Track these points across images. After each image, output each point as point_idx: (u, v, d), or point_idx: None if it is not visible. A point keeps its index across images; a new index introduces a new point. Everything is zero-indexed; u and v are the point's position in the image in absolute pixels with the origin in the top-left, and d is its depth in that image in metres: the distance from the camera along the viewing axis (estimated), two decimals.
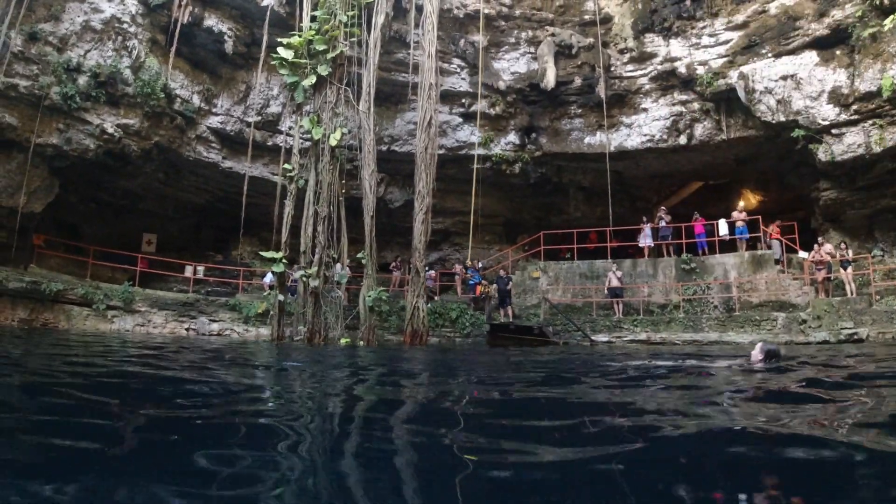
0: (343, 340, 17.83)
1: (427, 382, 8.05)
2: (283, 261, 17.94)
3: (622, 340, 18.99)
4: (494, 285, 21.68)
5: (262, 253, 18.78)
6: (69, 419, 4.54)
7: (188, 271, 22.08)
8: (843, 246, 18.60)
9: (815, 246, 18.85)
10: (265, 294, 20.18)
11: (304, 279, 18.10)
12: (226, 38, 20.17)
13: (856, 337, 16.01)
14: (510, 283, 21.11)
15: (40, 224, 19.65)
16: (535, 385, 7.76)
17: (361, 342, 17.98)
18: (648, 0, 21.83)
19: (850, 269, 17.96)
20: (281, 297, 18.27)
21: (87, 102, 18.05)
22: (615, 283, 20.60)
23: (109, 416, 4.76)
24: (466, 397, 6.31)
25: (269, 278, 20.79)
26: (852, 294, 17.68)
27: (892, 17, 17.09)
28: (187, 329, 19.66)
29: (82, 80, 17.81)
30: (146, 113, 19.16)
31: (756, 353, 8.63)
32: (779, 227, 20.77)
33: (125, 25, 18.56)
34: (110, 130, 18.61)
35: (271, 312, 18.58)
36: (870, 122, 18.14)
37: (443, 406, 5.71)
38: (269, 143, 21.89)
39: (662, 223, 22.06)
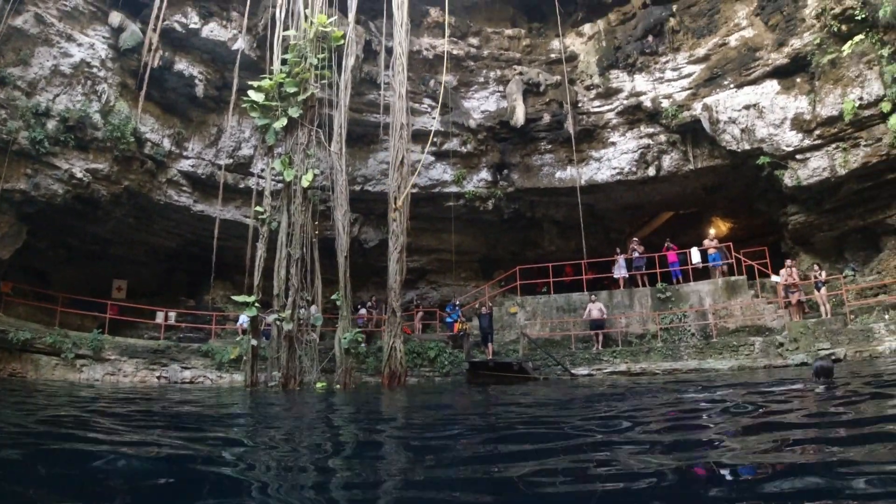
0: (319, 385, 17.46)
1: None
2: (256, 304, 17.63)
3: (602, 372, 18.87)
4: (472, 322, 21.55)
5: (234, 297, 18.47)
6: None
7: (159, 317, 21.59)
8: (816, 267, 18.78)
9: (784, 270, 19.00)
10: (238, 339, 19.79)
11: (278, 323, 17.79)
12: (196, 81, 20.21)
13: (833, 357, 16.00)
14: (491, 317, 20.90)
15: (8, 271, 19.17)
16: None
17: (338, 386, 17.62)
18: (612, 38, 22.42)
19: (823, 290, 18.11)
20: (254, 342, 17.90)
21: (55, 147, 17.81)
22: (595, 314, 20.53)
23: None
24: None
25: (243, 320, 20.42)
26: (827, 315, 17.78)
27: (850, 42, 17.66)
28: (158, 377, 19.13)
29: (51, 124, 17.64)
30: (116, 157, 18.97)
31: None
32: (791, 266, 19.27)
33: (95, 70, 18.53)
34: (79, 175, 18.38)
35: (244, 358, 18.17)
36: (833, 145, 18.56)
37: None
38: (241, 186, 21.78)
39: (636, 254, 22.20)
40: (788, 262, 19.22)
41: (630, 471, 3.96)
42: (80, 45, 18.23)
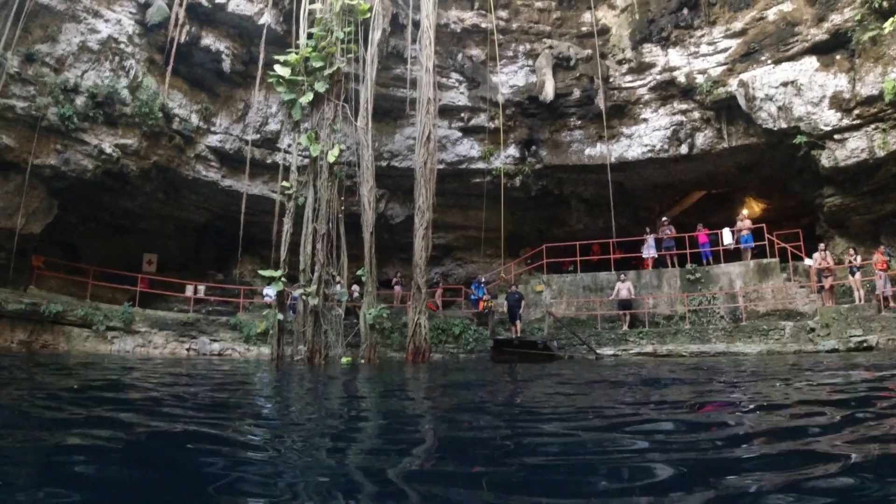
0: (344, 360, 17.58)
1: None
2: (283, 279, 17.76)
3: (628, 353, 18.77)
4: (497, 300, 21.49)
5: (261, 272, 18.62)
6: None
7: (189, 291, 21.93)
8: (851, 252, 18.28)
9: (817, 254, 18.52)
10: (265, 313, 20.00)
11: (304, 297, 17.90)
12: (223, 56, 20.18)
13: (865, 344, 15.72)
14: (522, 299, 20.71)
15: (39, 245, 19.56)
16: None
17: (363, 360, 17.74)
18: (646, 10, 21.78)
19: (858, 275, 17.65)
20: (280, 316, 18.06)
21: (84, 123, 17.99)
22: (624, 294, 20.29)
23: None
24: None
25: (268, 292, 20.67)
26: (861, 300, 17.37)
27: (891, 19, 16.91)
28: (188, 349, 19.47)
29: (80, 100, 17.78)
30: (144, 133, 19.12)
31: None
32: (884, 255, 18.15)
33: (122, 45, 18.59)
34: (108, 150, 18.56)
35: (271, 332, 18.36)
36: (872, 126, 17.94)
37: None
38: (269, 161, 21.83)
39: (666, 233, 21.85)
40: (821, 245, 18.75)
41: None
42: (107, 21, 18.26)
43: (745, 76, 20.00)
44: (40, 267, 19.57)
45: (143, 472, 3.88)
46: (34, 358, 14.88)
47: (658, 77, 21.70)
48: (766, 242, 20.41)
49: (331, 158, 18.55)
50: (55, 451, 4.31)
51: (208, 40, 19.93)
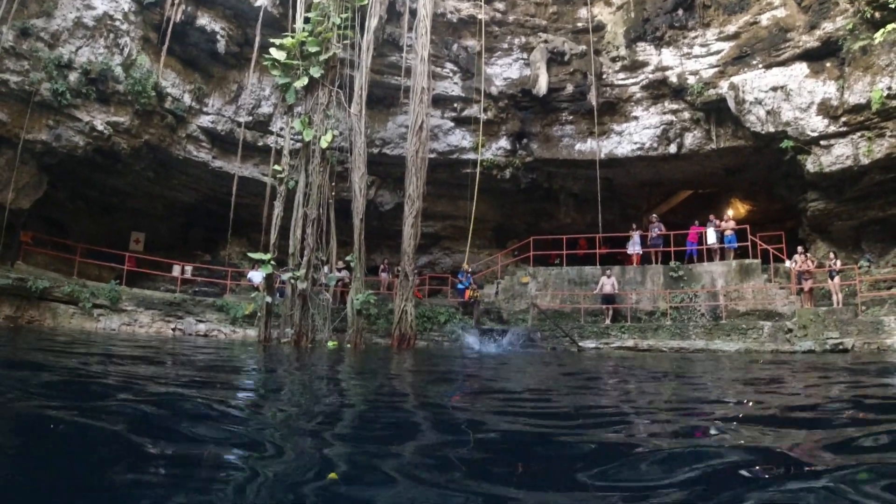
0: (330, 343, 17.74)
1: None
2: (272, 262, 17.86)
3: (610, 347, 19.06)
4: (483, 290, 21.71)
5: (250, 254, 18.69)
6: None
7: (176, 271, 21.93)
8: (831, 256, 18.68)
9: (797, 256, 18.90)
10: (253, 295, 20.10)
11: (293, 281, 18.02)
12: (218, 37, 20.12)
13: (841, 347, 16.10)
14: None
15: (28, 221, 19.51)
16: None
17: (349, 345, 17.93)
18: (641, 9, 21.94)
19: (837, 279, 18.05)
20: (268, 299, 18.18)
21: (77, 99, 17.94)
22: (608, 289, 20.60)
23: None
24: None
25: (252, 276, 20.78)
26: (838, 304, 17.76)
27: (882, 30, 17.21)
28: (174, 329, 19.53)
29: (73, 76, 17.72)
30: (136, 111, 19.07)
31: None
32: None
33: (117, 23, 18.50)
34: (100, 128, 18.52)
35: (258, 314, 18.48)
36: (858, 134, 18.25)
37: None
38: (260, 144, 21.83)
39: (656, 231, 22.15)
40: (800, 248, 19.12)
41: None
42: None
43: (735, 79, 20.26)
44: (28, 243, 19.52)
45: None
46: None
47: (650, 76, 21.91)
48: (749, 243, 20.77)
49: (323, 144, 18.60)
50: None
51: (204, 20, 19.84)
